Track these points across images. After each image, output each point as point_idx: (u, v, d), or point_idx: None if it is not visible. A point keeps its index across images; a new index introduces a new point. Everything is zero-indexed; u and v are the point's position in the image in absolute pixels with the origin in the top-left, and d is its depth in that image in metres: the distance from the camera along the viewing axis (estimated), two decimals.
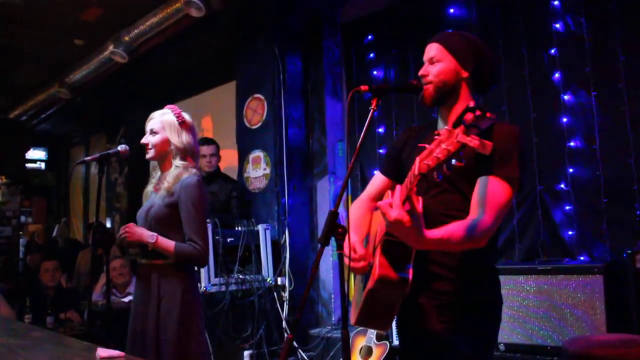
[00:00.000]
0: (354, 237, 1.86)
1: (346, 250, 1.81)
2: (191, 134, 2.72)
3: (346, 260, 1.83)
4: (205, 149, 4.70)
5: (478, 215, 1.64)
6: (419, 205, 1.50)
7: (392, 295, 1.68)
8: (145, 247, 2.56)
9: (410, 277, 1.64)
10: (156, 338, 2.48)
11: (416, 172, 1.39)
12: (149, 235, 2.52)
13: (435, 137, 1.38)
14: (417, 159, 1.40)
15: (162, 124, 2.66)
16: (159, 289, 2.54)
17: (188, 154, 2.69)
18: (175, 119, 2.67)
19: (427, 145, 1.38)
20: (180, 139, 2.66)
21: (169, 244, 2.53)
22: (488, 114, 1.33)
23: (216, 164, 4.81)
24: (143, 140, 2.67)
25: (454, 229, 1.60)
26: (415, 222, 1.48)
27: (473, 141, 1.26)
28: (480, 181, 1.69)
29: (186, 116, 2.72)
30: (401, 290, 1.65)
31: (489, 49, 1.89)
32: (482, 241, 1.63)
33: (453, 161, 1.33)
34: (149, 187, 2.78)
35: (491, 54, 1.89)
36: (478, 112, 1.33)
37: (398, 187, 1.52)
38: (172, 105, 2.74)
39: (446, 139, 1.32)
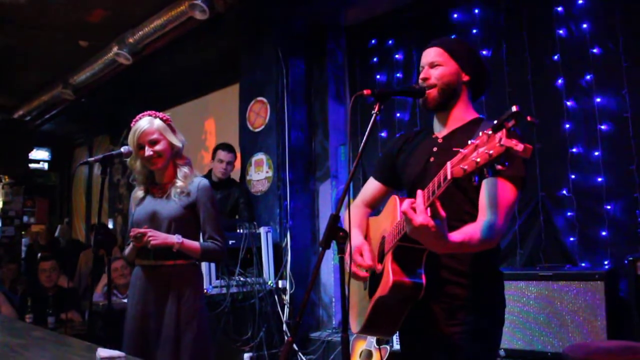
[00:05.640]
0: (364, 244, 1.87)
1: (349, 254, 1.80)
2: (178, 131, 2.72)
3: (348, 266, 1.83)
4: (224, 155, 4.66)
5: (489, 216, 1.65)
6: (443, 210, 1.49)
7: (404, 301, 1.69)
8: (162, 249, 2.52)
9: (424, 281, 1.64)
10: (176, 337, 2.49)
11: (449, 177, 1.38)
12: (175, 237, 2.52)
13: (469, 143, 1.34)
14: (448, 164, 1.39)
15: (158, 130, 2.60)
16: (179, 289, 2.55)
17: (183, 151, 2.70)
18: (163, 122, 2.63)
19: (460, 150, 1.37)
20: (178, 138, 2.67)
21: (194, 244, 2.57)
22: (529, 118, 1.29)
23: (230, 173, 4.78)
24: (148, 153, 2.56)
25: (471, 231, 1.60)
26: (439, 227, 1.48)
27: (518, 145, 1.24)
28: (487, 182, 1.69)
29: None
30: (415, 296, 1.66)
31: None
32: (495, 242, 1.67)
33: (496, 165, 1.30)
34: (140, 193, 2.72)
35: (484, 62, 1.92)
36: (529, 118, 1.30)
37: (419, 192, 1.51)
38: (150, 112, 2.66)
39: (485, 143, 1.29)
